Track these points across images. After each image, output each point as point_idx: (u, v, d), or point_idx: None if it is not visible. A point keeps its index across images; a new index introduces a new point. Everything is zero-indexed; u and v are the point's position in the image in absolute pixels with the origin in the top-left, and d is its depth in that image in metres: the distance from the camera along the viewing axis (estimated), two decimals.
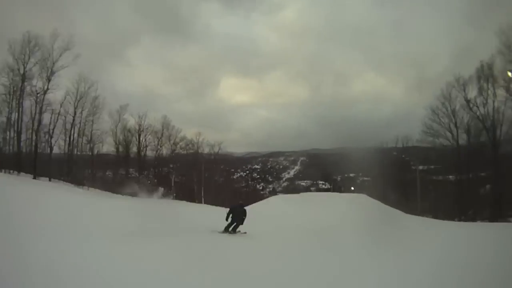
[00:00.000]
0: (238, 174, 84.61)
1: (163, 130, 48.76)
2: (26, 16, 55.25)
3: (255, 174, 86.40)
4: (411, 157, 48.46)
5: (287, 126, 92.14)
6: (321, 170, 76.63)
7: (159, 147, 48.95)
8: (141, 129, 46.01)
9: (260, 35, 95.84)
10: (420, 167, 44.02)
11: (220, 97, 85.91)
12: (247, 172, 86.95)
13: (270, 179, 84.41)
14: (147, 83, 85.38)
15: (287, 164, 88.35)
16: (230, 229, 14.04)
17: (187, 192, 45.55)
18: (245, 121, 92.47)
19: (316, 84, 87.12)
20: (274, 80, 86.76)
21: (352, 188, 58.71)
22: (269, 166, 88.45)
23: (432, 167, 45.79)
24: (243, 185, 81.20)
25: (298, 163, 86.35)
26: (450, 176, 37.53)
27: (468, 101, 32.95)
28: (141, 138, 46.53)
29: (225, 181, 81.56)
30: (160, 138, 48.43)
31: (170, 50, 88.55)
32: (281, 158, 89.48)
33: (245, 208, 15.32)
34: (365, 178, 61.46)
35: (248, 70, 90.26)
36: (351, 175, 66.83)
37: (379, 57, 74.23)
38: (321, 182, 76.06)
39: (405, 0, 78.01)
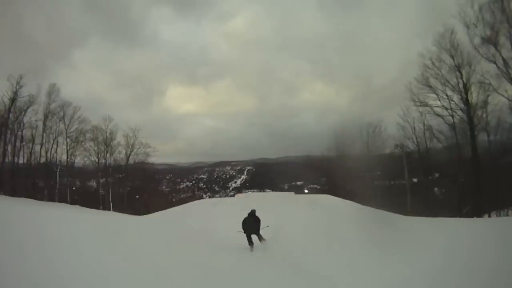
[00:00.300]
0: (184, 184, 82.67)
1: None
2: None
3: (201, 184, 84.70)
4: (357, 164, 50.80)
5: (233, 136, 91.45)
6: (269, 179, 77.60)
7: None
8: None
9: (209, 42, 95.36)
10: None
11: (166, 105, 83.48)
12: (193, 182, 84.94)
13: (217, 189, 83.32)
14: (93, 88, 79.62)
15: (234, 173, 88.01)
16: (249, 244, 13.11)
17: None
18: (191, 130, 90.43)
19: (264, 94, 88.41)
20: (221, 89, 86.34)
21: (306, 191, 60.20)
22: (215, 176, 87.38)
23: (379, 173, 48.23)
24: (189, 195, 79.37)
25: (245, 172, 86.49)
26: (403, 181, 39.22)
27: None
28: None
29: (170, 191, 79.22)
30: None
31: (117, 54, 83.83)
32: (228, 168, 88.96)
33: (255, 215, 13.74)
34: (312, 186, 63.44)
35: (195, 78, 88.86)
36: (299, 183, 68.54)
37: (327, 68, 77.89)
38: (268, 190, 76.84)
39: (354, 13, 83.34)
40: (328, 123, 76.08)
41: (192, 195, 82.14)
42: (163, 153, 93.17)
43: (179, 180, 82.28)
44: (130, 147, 46.55)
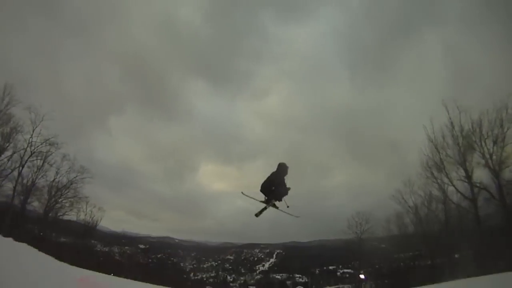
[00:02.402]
0: (209, 263, 78.61)
1: None
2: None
3: (227, 265, 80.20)
4: (390, 246, 46.66)
5: (264, 218, 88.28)
6: (299, 263, 72.26)
7: None
8: None
9: (243, 120, 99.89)
10: (402, 255, 42.52)
11: (198, 182, 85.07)
12: (219, 262, 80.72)
13: (243, 271, 78.21)
14: (126, 156, 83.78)
15: (262, 256, 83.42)
16: None
17: None
18: (221, 209, 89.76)
19: (296, 176, 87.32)
20: (253, 169, 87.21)
21: None
22: (242, 258, 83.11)
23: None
24: (213, 274, 74.57)
25: (274, 255, 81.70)
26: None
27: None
28: None
29: (193, 269, 75.18)
30: None
31: (153, 125, 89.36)
32: (256, 250, 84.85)
33: None
34: (346, 270, 58.02)
35: (228, 157, 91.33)
36: (331, 267, 63.00)
37: (360, 145, 77.26)
38: (298, 275, 71.00)
39: (384, 88, 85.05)
40: (362, 203, 72.05)
41: (216, 276, 77.37)
42: (192, 230, 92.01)
43: (204, 258, 78.72)
44: None
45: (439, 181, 33.47)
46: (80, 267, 28.05)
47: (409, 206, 37.97)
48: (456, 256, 32.98)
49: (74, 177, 36.90)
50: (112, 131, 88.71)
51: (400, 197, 38.15)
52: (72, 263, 27.31)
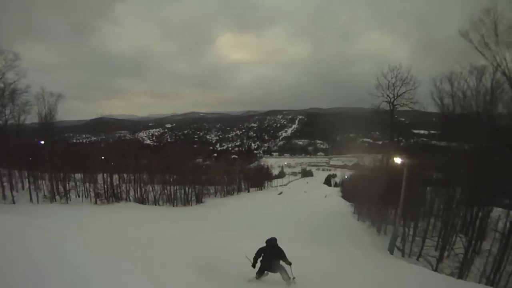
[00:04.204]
0: (234, 133, 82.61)
1: None
2: None
3: (251, 133, 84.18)
4: (411, 120, 45.53)
5: (286, 85, 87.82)
6: (320, 130, 74.36)
7: None
8: None
9: None
10: (422, 131, 41.63)
11: (216, 54, 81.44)
12: (243, 130, 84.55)
13: (266, 138, 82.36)
14: (139, 42, 79.35)
15: (285, 122, 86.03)
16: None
17: None
18: (243, 79, 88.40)
19: (319, 42, 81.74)
20: (273, 36, 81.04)
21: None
22: (266, 125, 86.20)
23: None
24: (238, 143, 79.50)
25: (296, 121, 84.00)
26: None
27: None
28: None
29: (219, 140, 79.68)
30: None
31: (161, 5, 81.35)
32: (279, 117, 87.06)
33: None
34: (365, 139, 59.38)
35: (245, 25, 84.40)
36: (351, 135, 64.62)
37: (386, 15, 68.42)
38: (319, 141, 74.12)
39: None
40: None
41: (241, 144, 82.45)
42: (215, 102, 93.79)
43: (228, 128, 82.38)
44: None
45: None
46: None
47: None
48: None
49: None
50: (121, 20, 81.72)
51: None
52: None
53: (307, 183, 60.17)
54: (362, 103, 52.69)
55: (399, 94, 28.17)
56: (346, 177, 51.95)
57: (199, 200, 32.23)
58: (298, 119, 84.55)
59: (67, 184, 26.40)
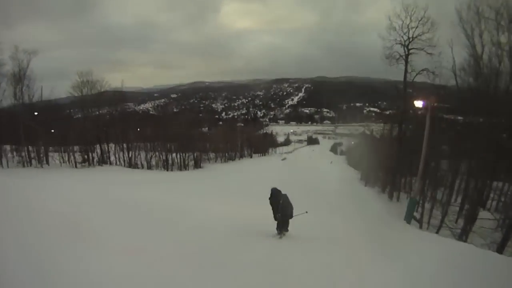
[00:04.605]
0: (240, 101, 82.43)
1: None
2: None
3: (257, 101, 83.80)
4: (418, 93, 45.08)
5: (293, 53, 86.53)
6: (327, 98, 73.75)
7: None
8: None
9: None
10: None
11: (221, 23, 79.04)
12: (249, 99, 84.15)
13: (273, 106, 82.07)
14: (141, 12, 77.16)
15: (291, 91, 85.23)
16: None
17: None
18: (248, 47, 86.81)
19: (326, 9, 79.09)
20: (278, 3, 78.62)
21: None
22: (272, 93, 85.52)
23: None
24: (243, 111, 79.58)
25: (303, 90, 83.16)
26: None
27: None
28: None
29: (225, 108, 79.61)
30: None
31: None
32: (285, 85, 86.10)
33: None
34: (372, 109, 59.08)
35: None
36: (358, 104, 64.22)
37: None
38: (326, 110, 73.77)
39: None
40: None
41: (246, 112, 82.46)
42: (221, 71, 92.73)
43: (234, 97, 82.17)
44: None
45: None
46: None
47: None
48: None
49: None
50: None
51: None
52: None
53: (313, 150, 60.81)
54: (369, 73, 52.22)
55: (414, 36, 23.04)
56: (352, 143, 52.29)
57: (197, 165, 32.97)
58: (304, 87, 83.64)
59: (43, 148, 26.61)
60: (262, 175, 25.05)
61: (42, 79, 31.47)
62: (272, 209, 9.14)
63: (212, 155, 37.84)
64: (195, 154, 33.41)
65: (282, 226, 9.16)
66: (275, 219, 9.14)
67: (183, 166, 31.87)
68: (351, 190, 22.70)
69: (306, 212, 9.52)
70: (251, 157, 45.18)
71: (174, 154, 31.33)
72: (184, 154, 32.03)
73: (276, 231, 9.11)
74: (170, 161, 30.83)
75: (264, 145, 51.73)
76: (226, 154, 39.42)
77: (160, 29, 74.22)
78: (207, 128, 49.82)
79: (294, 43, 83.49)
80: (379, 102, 55.42)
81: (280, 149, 57.00)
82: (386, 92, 50.24)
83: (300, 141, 68.53)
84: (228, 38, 79.13)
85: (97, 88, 32.98)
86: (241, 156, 42.74)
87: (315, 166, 40.26)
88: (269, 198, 9.35)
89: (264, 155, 50.00)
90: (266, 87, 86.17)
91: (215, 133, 43.36)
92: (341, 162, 46.98)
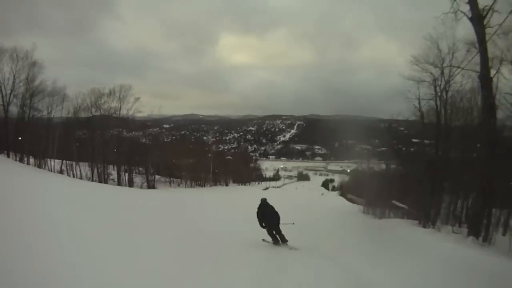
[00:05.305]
0: (231, 135, 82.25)
1: None
2: None
3: (249, 136, 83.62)
4: (410, 131, 45.20)
5: (287, 90, 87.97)
6: (319, 136, 73.95)
7: None
8: None
9: None
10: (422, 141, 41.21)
11: (218, 56, 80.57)
12: (241, 133, 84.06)
13: (264, 141, 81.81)
14: (140, 39, 78.67)
15: (284, 127, 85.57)
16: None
17: None
18: (244, 82, 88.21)
19: (322, 47, 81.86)
20: (277, 39, 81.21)
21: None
22: (264, 129, 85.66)
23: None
24: (234, 145, 79.28)
25: (295, 127, 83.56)
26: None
27: None
28: None
29: (216, 141, 79.16)
30: None
31: (164, 2, 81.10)
32: (278, 121, 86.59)
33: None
34: (365, 146, 58.93)
35: (249, 26, 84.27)
36: (350, 141, 64.20)
37: (391, 22, 68.71)
38: (317, 147, 73.65)
39: None
40: (387, 84, 68.22)
41: (237, 146, 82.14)
42: (214, 104, 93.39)
43: (226, 131, 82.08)
44: None
45: None
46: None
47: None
48: None
49: None
50: (123, 15, 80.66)
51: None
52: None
53: (303, 186, 59.52)
54: (362, 111, 52.57)
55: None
56: (348, 171, 51.51)
57: (150, 186, 30.79)
58: (297, 124, 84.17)
59: None
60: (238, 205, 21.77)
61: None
62: (258, 218, 9.37)
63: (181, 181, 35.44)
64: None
65: (274, 235, 9.36)
66: (261, 226, 9.28)
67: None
68: (365, 224, 18.03)
69: (293, 223, 9.56)
70: (226, 185, 42.73)
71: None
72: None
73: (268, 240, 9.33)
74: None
75: (248, 176, 49.70)
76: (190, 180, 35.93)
77: (158, 57, 75.27)
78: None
79: (289, 80, 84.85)
80: (371, 140, 55.37)
81: (267, 184, 55.30)
82: (378, 130, 50.59)
83: (290, 177, 67.45)
84: (224, 71, 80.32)
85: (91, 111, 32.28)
86: (216, 183, 39.90)
87: (303, 196, 38.60)
88: (257, 209, 9.51)
89: (244, 184, 47.59)
90: (258, 122, 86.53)
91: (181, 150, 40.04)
92: (334, 195, 45.81)
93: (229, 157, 61.64)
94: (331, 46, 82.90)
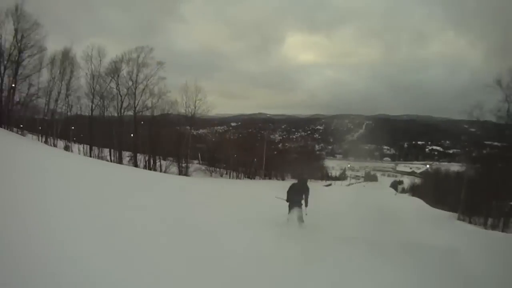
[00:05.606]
0: (298, 134, 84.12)
1: None
2: None
3: (316, 135, 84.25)
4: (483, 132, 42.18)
5: (355, 89, 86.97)
6: (387, 136, 71.91)
7: None
8: None
9: None
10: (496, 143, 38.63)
11: (284, 55, 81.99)
12: (308, 132, 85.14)
13: (332, 141, 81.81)
14: (205, 41, 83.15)
15: (352, 127, 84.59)
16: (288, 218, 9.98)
17: None
18: (311, 81, 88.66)
19: (390, 43, 78.77)
20: (344, 37, 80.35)
21: None
22: (332, 128, 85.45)
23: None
24: (301, 144, 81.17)
25: (363, 126, 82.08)
26: None
27: None
28: None
29: (283, 140, 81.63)
30: None
31: (228, 3, 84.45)
32: (346, 121, 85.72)
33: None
34: (435, 147, 56.43)
35: (314, 25, 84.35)
36: (419, 142, 61.61)
37: (461, 14, 63.69)
38: (386, 147, 71.76)
39: None
40: (458, 81, 63.47)
41: (304, 145, 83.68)
42: (282, 104, 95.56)
43: (294, 130, 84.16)
44: None
45: None
46: None
47: None
48: None
49: None
50: (187, 18, 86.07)
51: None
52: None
53: (372, 186, 58.92)
54: (432, 111, 50.82)
55: None
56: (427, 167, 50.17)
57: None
58: (365, 124, 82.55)
59: None
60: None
61: None
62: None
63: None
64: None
65: (294, 208, 10.22)
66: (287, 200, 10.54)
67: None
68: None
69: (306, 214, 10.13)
70: (282, 179, 44.03)
71: None
72: None
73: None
74: None
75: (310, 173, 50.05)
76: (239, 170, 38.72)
77: (225, 58, 79.48)
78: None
79: (357, 79, 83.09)
80: (442, 141, 53.00)
81: (334, 183, 56.12)
82: (448, 131, 48.44)
83: (357, 177, 66.96)
84: (291, 70, 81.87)
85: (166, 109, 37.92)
86: (267, 176, 41.70)
87: (375, 196, 38.61)
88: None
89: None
90: (326, 122, 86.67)
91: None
92: (407, 195, 45.08)
93: (296, 155, 63.71)
94: (398, 42, 78.97)
